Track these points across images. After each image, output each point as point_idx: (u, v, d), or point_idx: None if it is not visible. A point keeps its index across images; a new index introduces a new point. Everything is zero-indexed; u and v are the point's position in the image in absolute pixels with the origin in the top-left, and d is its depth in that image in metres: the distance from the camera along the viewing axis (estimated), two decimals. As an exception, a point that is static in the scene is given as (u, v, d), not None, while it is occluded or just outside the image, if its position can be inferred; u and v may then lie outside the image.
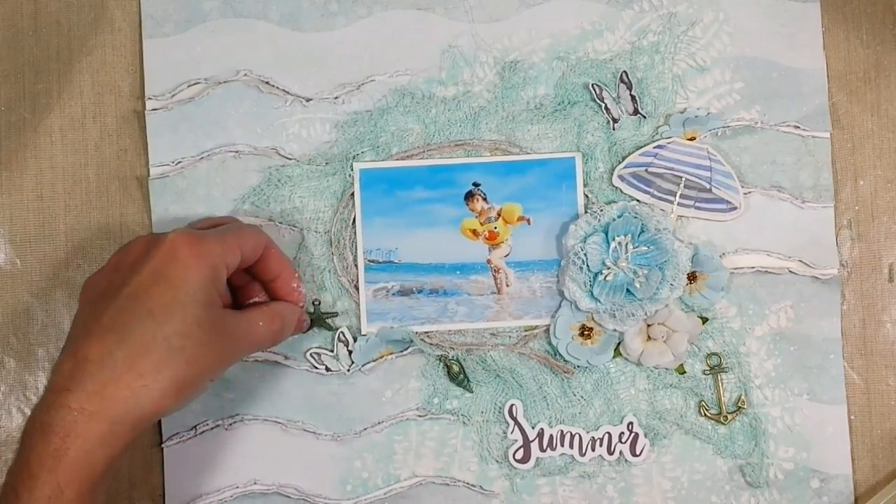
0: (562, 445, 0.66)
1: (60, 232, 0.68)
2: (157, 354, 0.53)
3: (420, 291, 0.67)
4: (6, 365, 0.68)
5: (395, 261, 0.67)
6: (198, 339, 0.54)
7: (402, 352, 0.67)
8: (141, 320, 0.53)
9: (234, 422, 0.67)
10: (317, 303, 0.67)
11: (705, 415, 0.67)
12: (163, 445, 0.67)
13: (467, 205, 0.67)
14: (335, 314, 0.67)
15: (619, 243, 0.65)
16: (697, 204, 0.67)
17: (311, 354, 0.67)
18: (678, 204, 0.66)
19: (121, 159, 0.68)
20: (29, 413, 0.67)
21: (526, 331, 0.67)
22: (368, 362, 0.67)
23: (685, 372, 0.67)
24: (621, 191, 0.67)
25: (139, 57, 0.68)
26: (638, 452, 0.66)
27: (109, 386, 0.52)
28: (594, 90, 0.67)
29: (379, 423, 0.67)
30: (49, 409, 0.52)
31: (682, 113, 0.67)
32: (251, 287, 0.63)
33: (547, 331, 0.67)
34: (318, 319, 0.66)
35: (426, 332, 0.67)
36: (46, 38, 0.68)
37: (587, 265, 0.65)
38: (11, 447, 0.67)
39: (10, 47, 0.68)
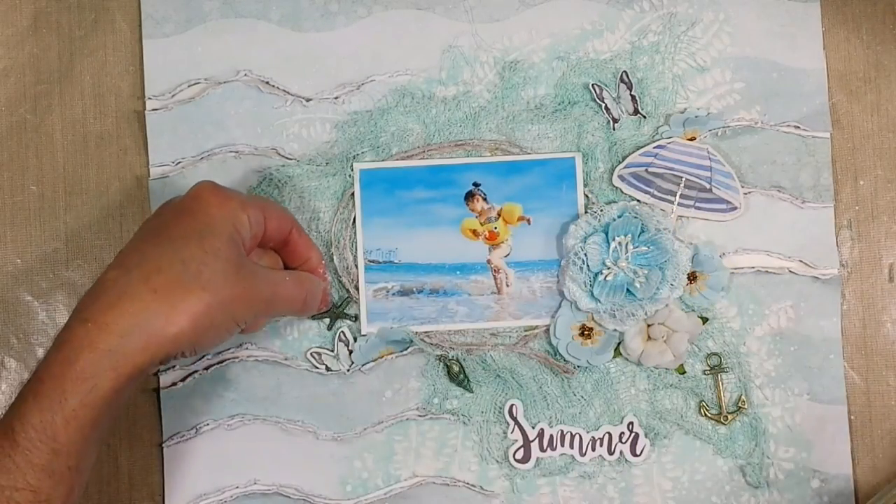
0: (562, 445, 0.66)
1: (60, 232, 0.68)
2: (172, 273, 0.53)
3: (420, 291, 0.67)
4: (6, 365, 0.68)
5: (396, 261, 0.67)
6: (214, 267, 0.54)
7: (402, 352, 0.67)
8: (160, 245, 0.55)
9: (235, 422, 0.67)
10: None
11: (706, 415, 0.67)
12: (163, 445, 0.67)
13: (467, 205, 0.67)
14: (348, 300, 0.67)
15: (620, 243, 0.65)
16: (697, 204, 0.67)
17: (311, 354, 0.67)
18: (678, 204, 0.66)
19: (121, 159, 0.68)
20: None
21: (526, 331, 0.67)
22: (368, 362, 0.67)
23: (685, 372, 0.67)
24: (621, 191, 0.67)
25: (139, 57, 0.68)
26: (638, 452, 0.66)
27: (123, 299, 0.53)
28: (594, 90, 0.67)
29: (379, 422, 0.67)
30: (66, 326, 0.53)
31: (682, 113, 0.67)
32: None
33: (547, 331, 0.67)
34: (339, 314, 0.67)
35: (426, 332, 0.67)
36: (47, 39, 0.68)
37: (587, 265, 0.65)
38: (12, 447, 0.67)
39: (10, 47, 0.68)
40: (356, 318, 0.67)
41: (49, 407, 0.52)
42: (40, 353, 0.68)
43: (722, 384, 0.67)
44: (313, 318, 0.67)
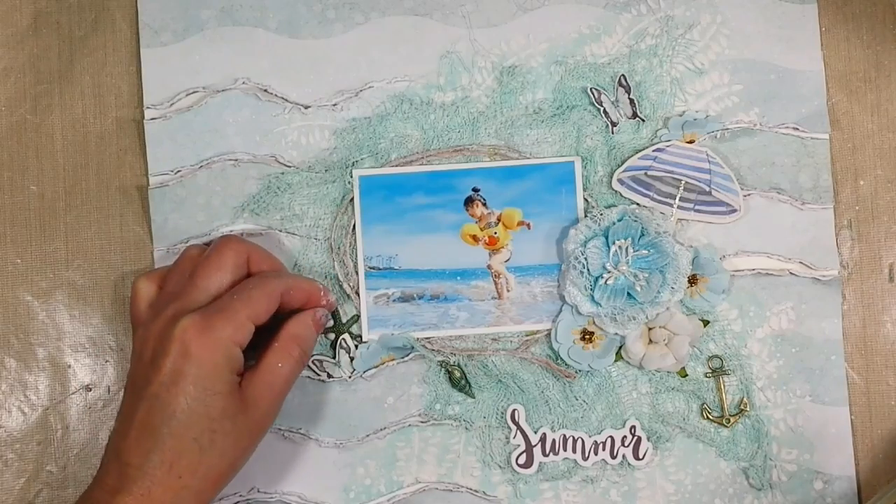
0: (564, 450, 0.66)
1: (60, 232, 0.68)
2: (191, 455, 0.56)
3: (421, 297, 0.67)
4: (6, 365, 0.68)
5: (396, 267, 0.67)
6: (225, 429, 0.57)
7: (403, 358, 0.67)
8: (168, 423, 0.56)
9: (237, 430, 0.67)
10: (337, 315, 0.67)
11: (708, 417, 0.67)
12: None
13: (467, 210, 0.67)
14: (356, 318, 0.67)
15: (620, 247, 0.65)
16: (697, 207, 0.67)
17: (312, 362, 0.67)
18: (678, 207, 0.66)
19: (121, 159, 0.68)
20: (29, 412, 0.68)
21: (527, 335, 0.67)
22: (370, 369, 0.67)
23: (687, 375, 0.67)
24: (621, 194, 0.67)
25: (139, 57, 0.68)
26: (641, 456, 0.66)
27: (153, 490, 0.55)
28: (593, 94, 0.67)
29: (381, 429, 0.67)
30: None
31: (680, 116, 0.67)
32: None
33: (548, 335, 0.67)
34: (344, 331, 0.67)
35: (427, 338, 0.67)
36: (46, 39, 0.69)
37: (588, 269, 0.65)
38: (12, 447, 0.67)
39: (10, 47, 0.69)
40: (360, 337, 0.67)
41: None
42: (40, 353, 0.68)
43: (724, 387, 0.67)
44: None
